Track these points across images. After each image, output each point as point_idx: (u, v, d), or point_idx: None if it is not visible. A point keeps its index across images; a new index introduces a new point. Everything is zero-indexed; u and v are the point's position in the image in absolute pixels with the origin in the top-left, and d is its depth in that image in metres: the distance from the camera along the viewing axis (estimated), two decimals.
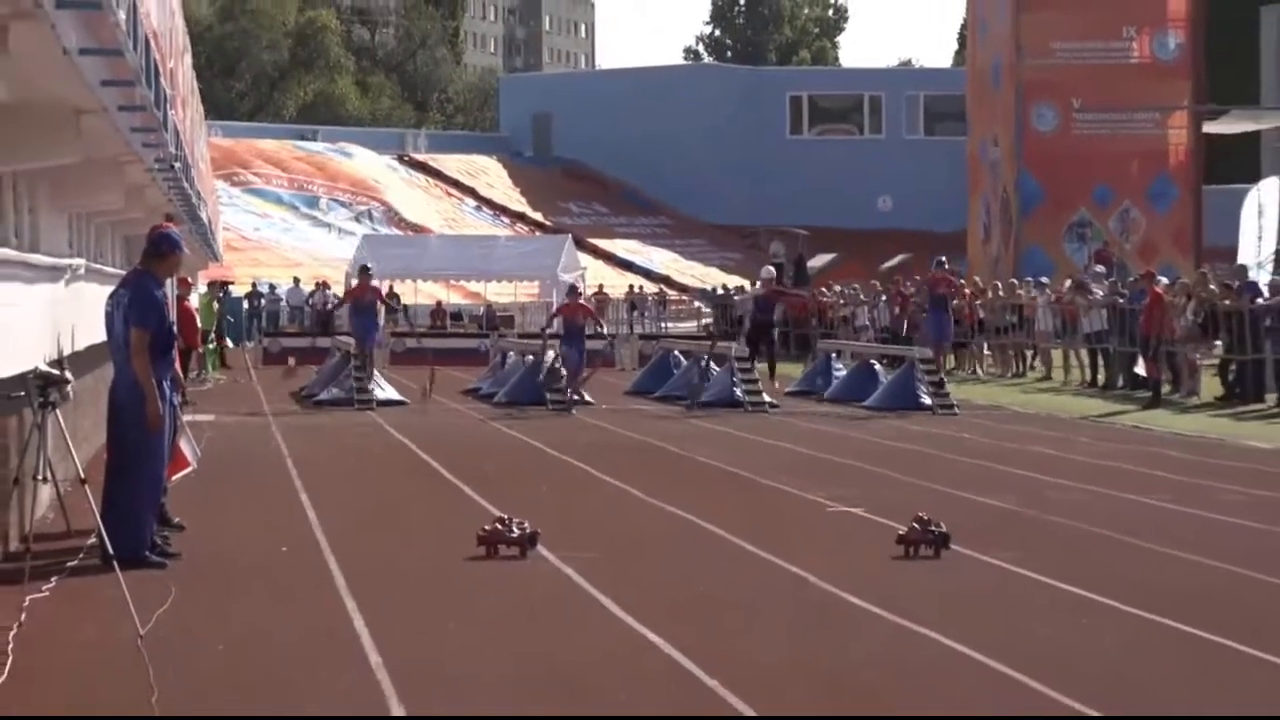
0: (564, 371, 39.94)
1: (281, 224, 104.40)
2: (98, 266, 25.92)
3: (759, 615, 17.10)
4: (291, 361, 53.64)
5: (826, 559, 20.16)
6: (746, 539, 21.82)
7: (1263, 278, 52.58)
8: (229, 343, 63.23)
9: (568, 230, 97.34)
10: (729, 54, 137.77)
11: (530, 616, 16.86)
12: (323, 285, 79.72)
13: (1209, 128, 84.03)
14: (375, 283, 44.87)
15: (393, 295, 47.16)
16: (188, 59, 37.85)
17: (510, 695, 13.43)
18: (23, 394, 18.73)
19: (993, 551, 20.70)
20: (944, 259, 31.41)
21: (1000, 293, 64.65)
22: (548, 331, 42.02)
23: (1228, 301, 47.24)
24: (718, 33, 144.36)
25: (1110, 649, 15.59)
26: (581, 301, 43.35)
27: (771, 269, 34.19)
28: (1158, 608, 17.06)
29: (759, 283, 34.53)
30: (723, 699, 13.21)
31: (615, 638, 15.82)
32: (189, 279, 53.49)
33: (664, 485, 27.15)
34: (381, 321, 40.16)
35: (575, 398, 39.22)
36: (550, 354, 40.78)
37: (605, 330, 52.49)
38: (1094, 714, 12.82)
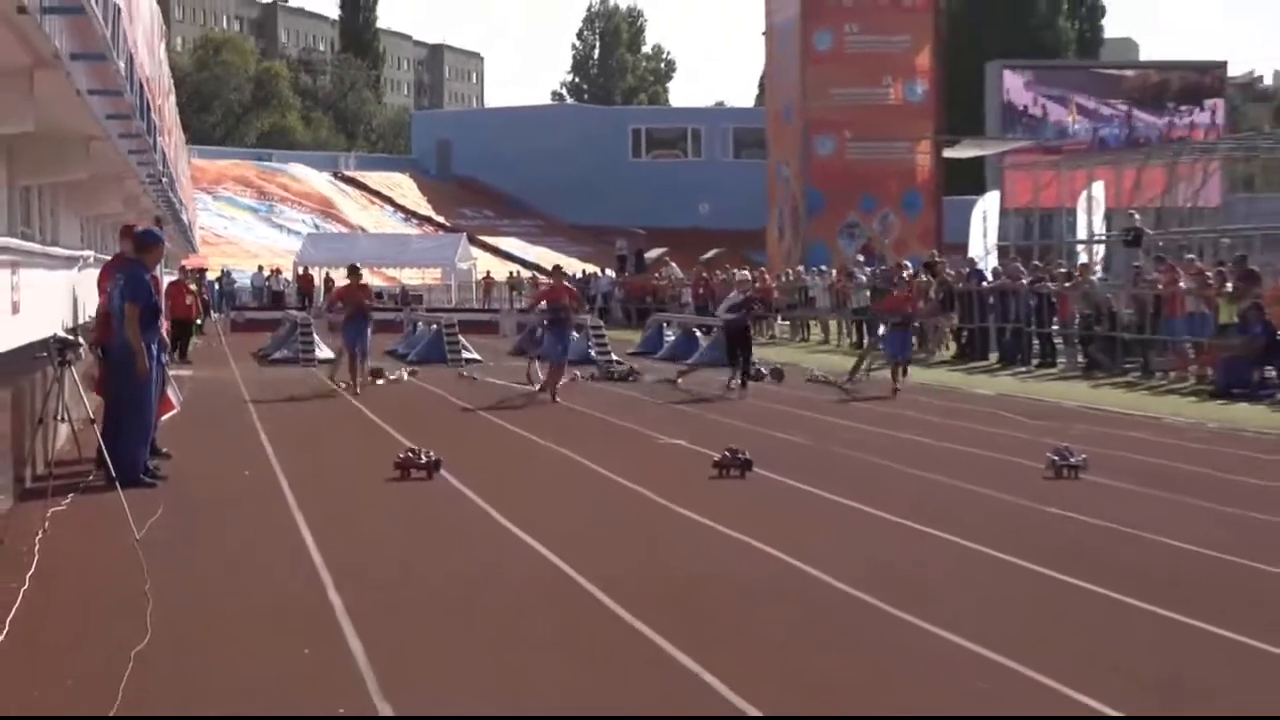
0: (543, 354, 32.29)
1: (244, 225, 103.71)
2: (103, 257, 25.55)
3: (611, 523, 17.54)
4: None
5: (662, 480, 20.21)
6: (602, 466, 21.92)
7: (987, 266, 52.83)
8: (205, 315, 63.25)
9: (463, 230, 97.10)
10: (585, 96, 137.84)
11: (435, 524, 17.06)
12: (275, 272, 79.76)
13: (947, 153, 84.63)
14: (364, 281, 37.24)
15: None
16: (172, 98, 37.56)
17: (421, 585, 13.49)
18: (45, 354, 18.63)
19: (787, 474, 20.78)
20: (915, 270, 29.48)
21: (790, 277, 65.38)
22: (536, 312, 34.37)
23: (961, 284, 47.81)
24: (577, 80, 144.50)
25: (876, 548, 16.03)
26: (566, 284, 34.11)
27: (747, 273, 30.30)
28: (912, 516, 17.47)
29: (734, 290, 30.64)
30: (591, 593, 13.25)
31: (500, 541, 15.95)
32: (187, 266, 53.50)
33: (539, 426, 27.11)
34: (370, 329, 32.28)
35: (550, 395, 30.64)
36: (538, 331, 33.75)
37: (584, 313, 41.03)
38: (864, 596, 12.88)
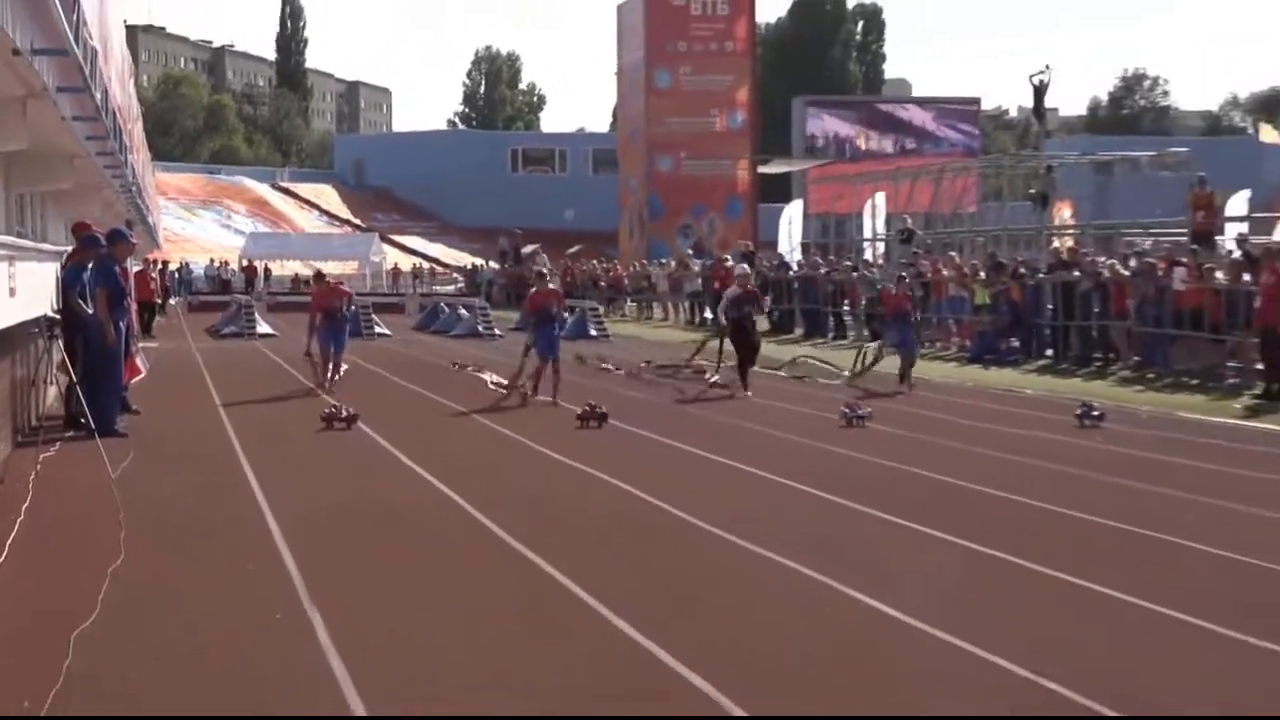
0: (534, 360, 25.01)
1: (199, 225, 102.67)
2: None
3: (497, 462, 17.63)
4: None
5: (537, 430, 20.24)
6: (490, 419, 21.91)
7: (793, 259, 53.16)
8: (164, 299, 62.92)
9: (375, 230, 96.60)
10: (473, 123, 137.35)
11: (352, 462, 17.04)
12: (224, 263, 79.24)
13: (761, 170, 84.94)
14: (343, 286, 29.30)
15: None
16: (139, 123, 37.18)
17: (339, 509, 13.54)
18: (36, 330, 18.54)
19: (637, 425, 20.81)
20: (905, 275, 26.61)
21: (638, 269, 65.66)
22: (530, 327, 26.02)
23: (773, 273, 48.27)
24: (467, 110, 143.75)
25: (701, 482, 15.91)
26: (552, 287, 27.68)
27: (746, 266, 29.19)
28: (728, 453, 17.60)
29: (735, 283, 25.89)
30: (469, 512, 13.29)
31: (407, 480, 15.92)
32: (150, 258, 52.82)
33: (439, 386, 27.07)
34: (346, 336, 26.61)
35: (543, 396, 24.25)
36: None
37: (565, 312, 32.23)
38: (687, 517, 12.93)
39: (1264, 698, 8.11)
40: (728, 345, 27.68)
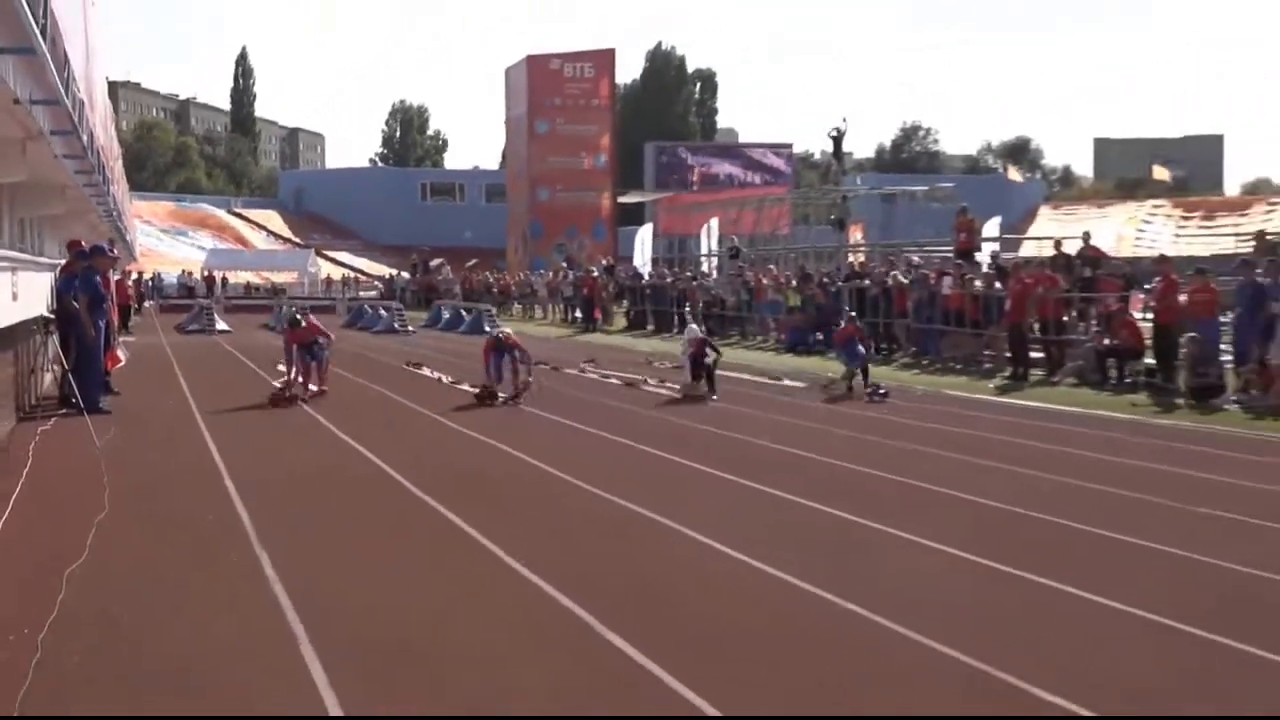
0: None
1: (168, 243, 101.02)
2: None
3: (410, 432, 17.44)
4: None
5: (443, 407, 20.11)
6: (407, 399, 21.64)
7: (645, 271, 53.19)
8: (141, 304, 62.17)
9: (312, 246, 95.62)
10: (391, 161, 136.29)
11: (294, 434, 16.91)
12: (189, 273, 77.97)
13: (620, 200, 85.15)
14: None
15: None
16: (119, 160, 36.59)
17: (284, 470, 13.43)
18: (35, 327, 18.30)
19: (527, 403, 20.54)
20: (854, 314, 24.63)
21: (523, 278, 65.50)
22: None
23: (629, 282, 48.31)
24: (385, 151, 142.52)
25: (574, 448, 15.79)
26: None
27: (695, 329, 25.56)
28: (602, 428, 17.32)
29: (685, 341, 23.70)
30: (389, 474, 13.22)
31: (333, 443, 15.86)
32: (128, 270, 51.96)
33: (365, 372, 26.84)
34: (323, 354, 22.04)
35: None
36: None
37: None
38: (575, 480, 12.93)
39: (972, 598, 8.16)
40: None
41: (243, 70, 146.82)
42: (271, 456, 14.91)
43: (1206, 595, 8.71)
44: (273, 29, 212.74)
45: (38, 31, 9.69)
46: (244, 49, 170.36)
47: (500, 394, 20.97)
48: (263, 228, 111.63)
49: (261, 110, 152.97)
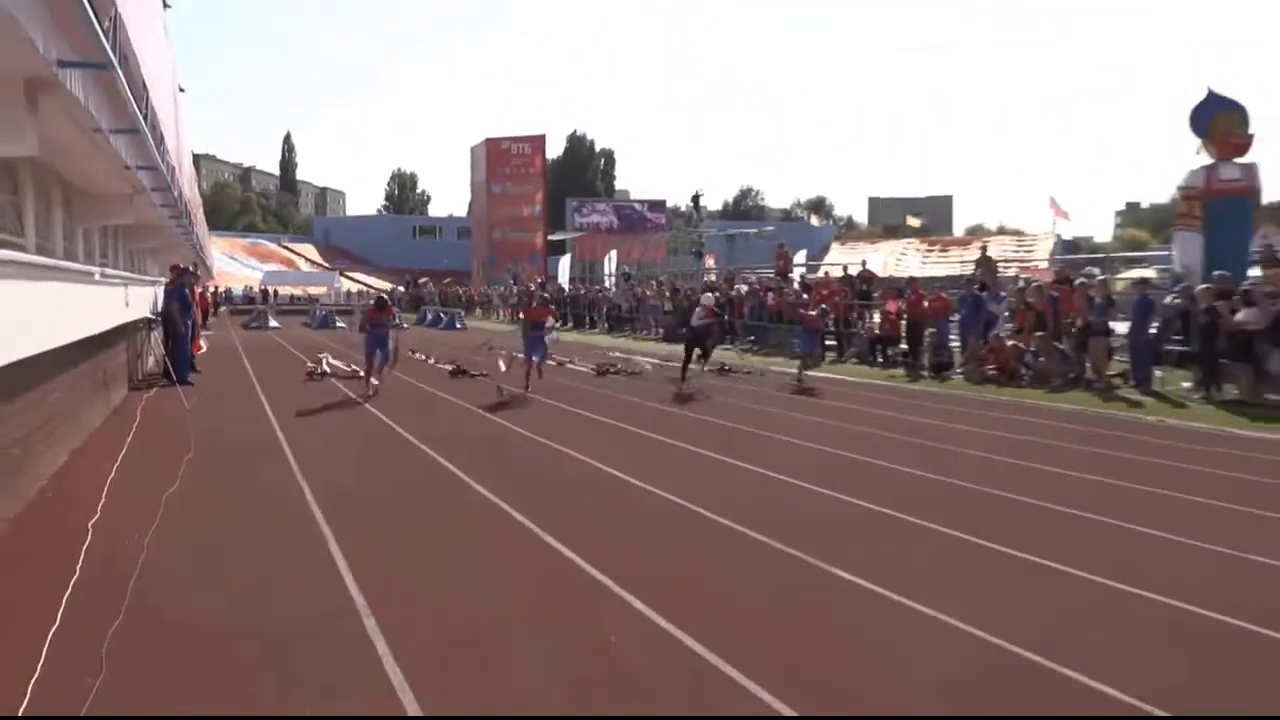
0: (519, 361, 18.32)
1: (237, 266, 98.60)
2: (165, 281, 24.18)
3: (426, 410, 16.79)
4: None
5: (424, 380, 19.80)
6: (406, 375, 20.12)
7: (566, 286, 52.79)
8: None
9: (337, 269, 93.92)
10: (391, 210, 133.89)
11: (327, 397, 16.43)
12: (251, 288, 76.40)
13: (550, 237, 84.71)
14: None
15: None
16: (200, 209, 35.70)
17: (321, 424, 13.16)
18: (142, 326, 17.90)
19: (482, 379, 20.28)
20: (825, 309, 21.81)
21: (483, 292, 64.77)
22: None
23: (557, 294, 47.90)
24: (388, 203, 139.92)
25: (535, 417, 15.59)
26: (546, 306, 19.82)
27: (710, 296, 22.18)
28: (561, 399, 16.98)
29: (701, 308, 19.71)
30: (391, 426, 13.02)
31: (355, 407, 15.50)
32: (208, 284, 50.82)
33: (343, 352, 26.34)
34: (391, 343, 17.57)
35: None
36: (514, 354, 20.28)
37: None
38: (518, 429, 12.78)
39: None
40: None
41: (288, 147, 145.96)
42: (307, 411, 14.52)
43: (911, 491, 8.87)
44: (310, 117, 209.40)
45: (141, 118, 9.53)
46: (288, 133, 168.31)
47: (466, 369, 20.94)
48: (303, 256, 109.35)
49: (301, 175, 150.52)
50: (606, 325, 41.40)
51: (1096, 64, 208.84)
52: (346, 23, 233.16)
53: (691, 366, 19.29)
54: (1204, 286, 17.95)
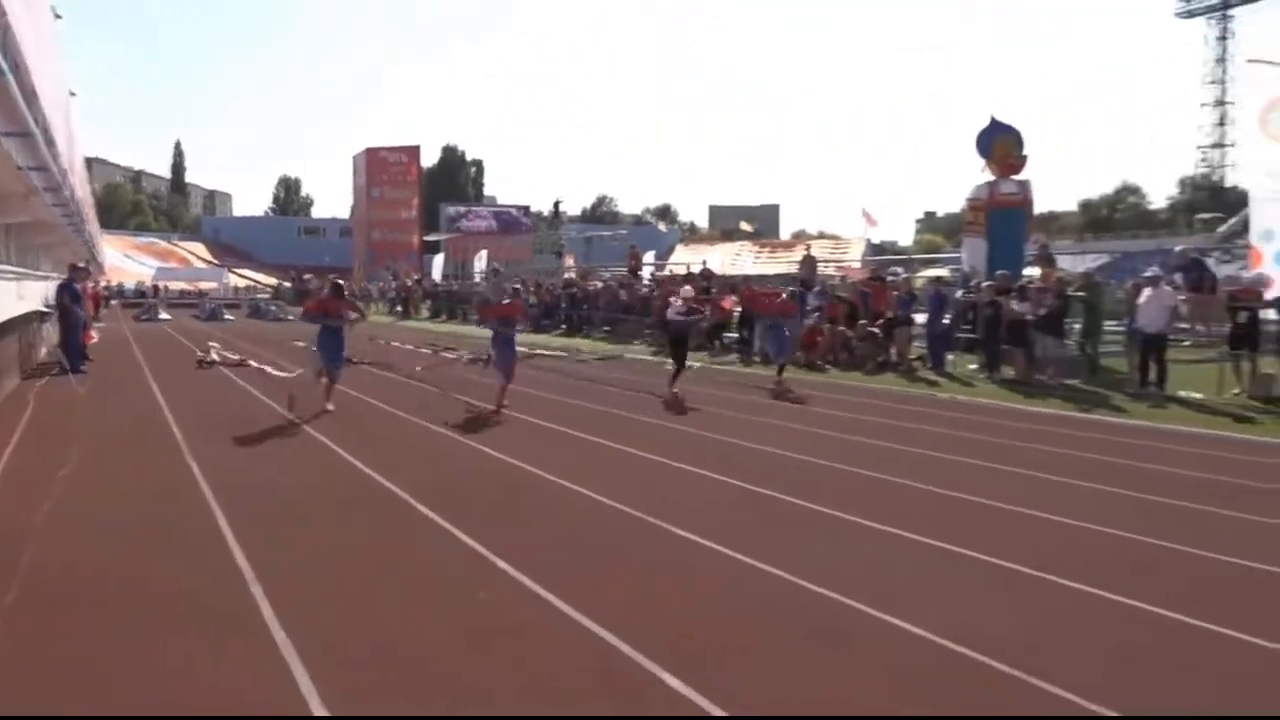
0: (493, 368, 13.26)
1: (130, 263, 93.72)
2: (56, 276, 22.98)
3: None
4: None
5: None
6: (286, 360, 19.93)
7: (440, 282, 51.95)
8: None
9: (225, 266, 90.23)
10: (279, 211, 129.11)
11: (214, 384, 15.86)
12: (141, 283, 72.72)
13: (425, 238, 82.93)
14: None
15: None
16: (93, 209, 33.99)
17: (202, 404, 12.74)
18: (34, 317, 16.98)
19: (391, 372, 19.75)
20: (793, 290, 20.66)
21: (363, 287, 63.12)
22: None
23: (431, 288, 46.94)
24: (275, 205, 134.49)
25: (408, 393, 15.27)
26: (511, 302, 13.80)
27: (689, 289, 18.32)
28: (475, 397, 16.72)
29: (679, 299, 16.17)
30: (264, 401, 12.67)
31: (233, 387, 15.02)
32: (98, 279, 48.27)
33: (259, 343, 25.52)
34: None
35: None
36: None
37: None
38: (414, 420, 12.59)
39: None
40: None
41: (178, 152, 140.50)
42: (194, 394, 14.00)
43: (752, 465, 9.18)
44: (200, 123, 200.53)
45: (32, 121, 9.11)
46: (178, 141, 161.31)
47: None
48: (193, 254, 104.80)
49: (191, 177, 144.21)
50: (477, 318, 40.95)
51: (897, 94, 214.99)
52: (238, 30, 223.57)
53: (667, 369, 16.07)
54: (987, 283, 18.93)
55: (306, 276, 69.17)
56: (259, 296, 65.24)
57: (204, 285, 74.95)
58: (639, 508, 7.30)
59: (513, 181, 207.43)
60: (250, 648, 4.68)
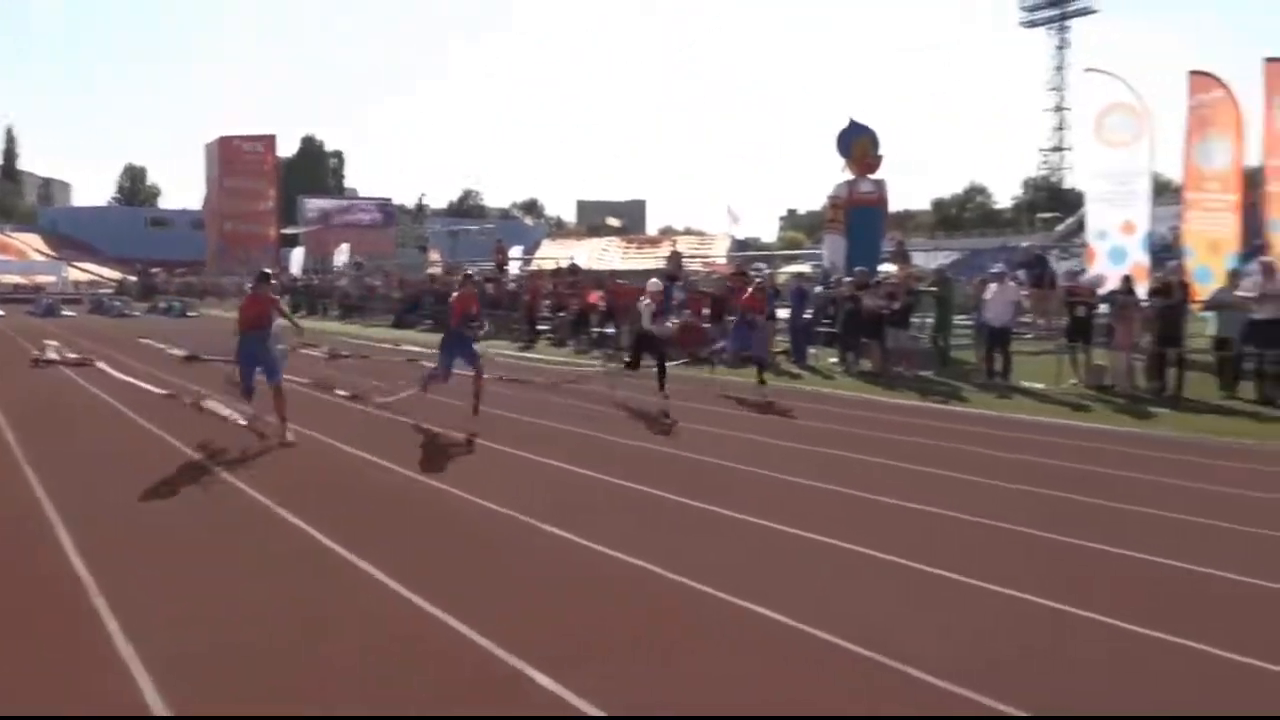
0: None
1: None
2: None
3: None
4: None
5: (153, 362, 18.41)
6: (131, 357, 19.22)
7: (299, 276, 50.44)
8: None
9: (64, 259, 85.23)
10: (123, 201, 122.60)
11: (52, 382, 15.05)
12: None
13: (283, 231, 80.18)
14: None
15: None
16: None
17: (39, 404, 12.06)
18: None
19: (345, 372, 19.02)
20: (761, 281, 18.06)
21: (214, 280, 60.81)
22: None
23: (290, 283, 45.46)
24: (120, 195, 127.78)
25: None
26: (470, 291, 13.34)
27: (657, 282, 15.31)
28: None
29: (647, 299, 13.79)
30: (109, 402, 12.10)
31: (74, 386, 14.29)
32: None
33: (102, 341, 24.15)
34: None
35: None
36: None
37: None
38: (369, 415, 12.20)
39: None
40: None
41: (9, 137, 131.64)
42: (32, 392, 13.19)
43: (679, 471, 9.22)
44: (35, 105, 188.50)
45: None
46: (10, 126, 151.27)
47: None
48: (29, 246, 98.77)
49: (24, 165, 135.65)
50: (338, 313, 39.87)
51: (896, 94, 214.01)
52: (81, 16, 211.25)
53: (629, 377, 14.44)
54: (847, 279, 19.51)
55: (154, 270, 66.21)
56: (101, 292, 62.16)
57: (41, 279, 70.88)
58: (511, 506, 7.26)
59: (375, 175, 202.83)
60: (92, 657, 4.45)
